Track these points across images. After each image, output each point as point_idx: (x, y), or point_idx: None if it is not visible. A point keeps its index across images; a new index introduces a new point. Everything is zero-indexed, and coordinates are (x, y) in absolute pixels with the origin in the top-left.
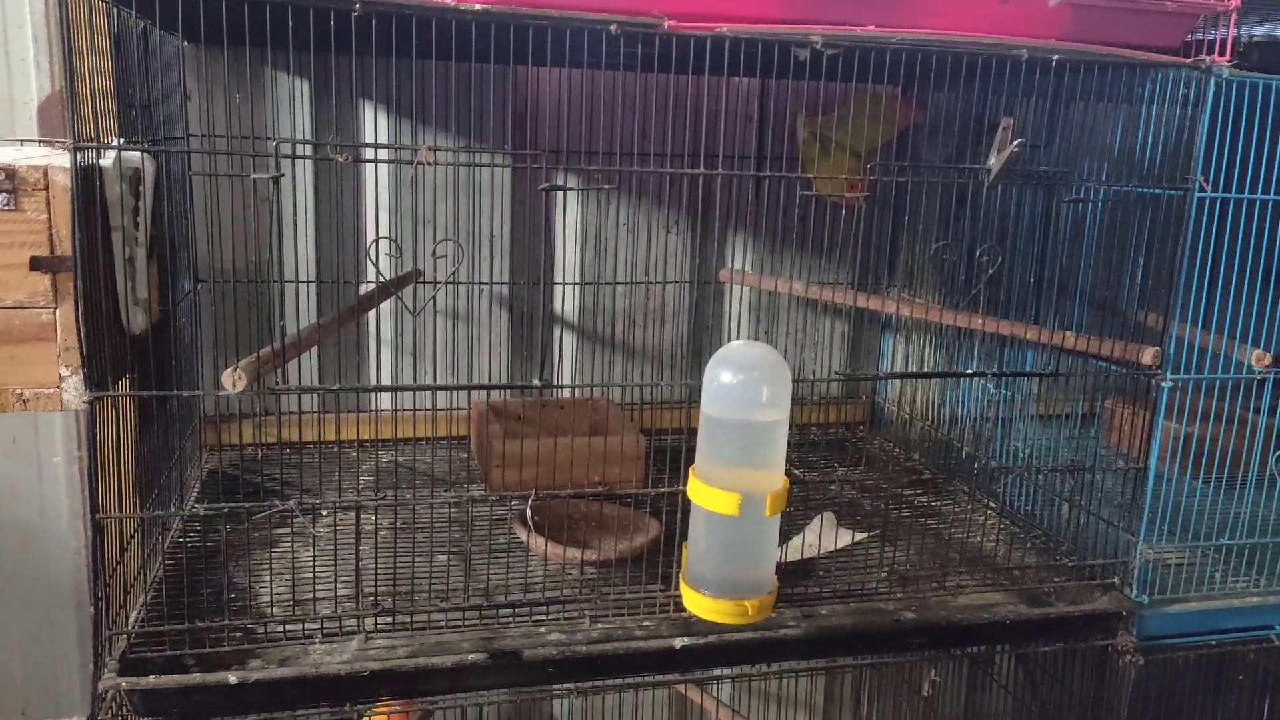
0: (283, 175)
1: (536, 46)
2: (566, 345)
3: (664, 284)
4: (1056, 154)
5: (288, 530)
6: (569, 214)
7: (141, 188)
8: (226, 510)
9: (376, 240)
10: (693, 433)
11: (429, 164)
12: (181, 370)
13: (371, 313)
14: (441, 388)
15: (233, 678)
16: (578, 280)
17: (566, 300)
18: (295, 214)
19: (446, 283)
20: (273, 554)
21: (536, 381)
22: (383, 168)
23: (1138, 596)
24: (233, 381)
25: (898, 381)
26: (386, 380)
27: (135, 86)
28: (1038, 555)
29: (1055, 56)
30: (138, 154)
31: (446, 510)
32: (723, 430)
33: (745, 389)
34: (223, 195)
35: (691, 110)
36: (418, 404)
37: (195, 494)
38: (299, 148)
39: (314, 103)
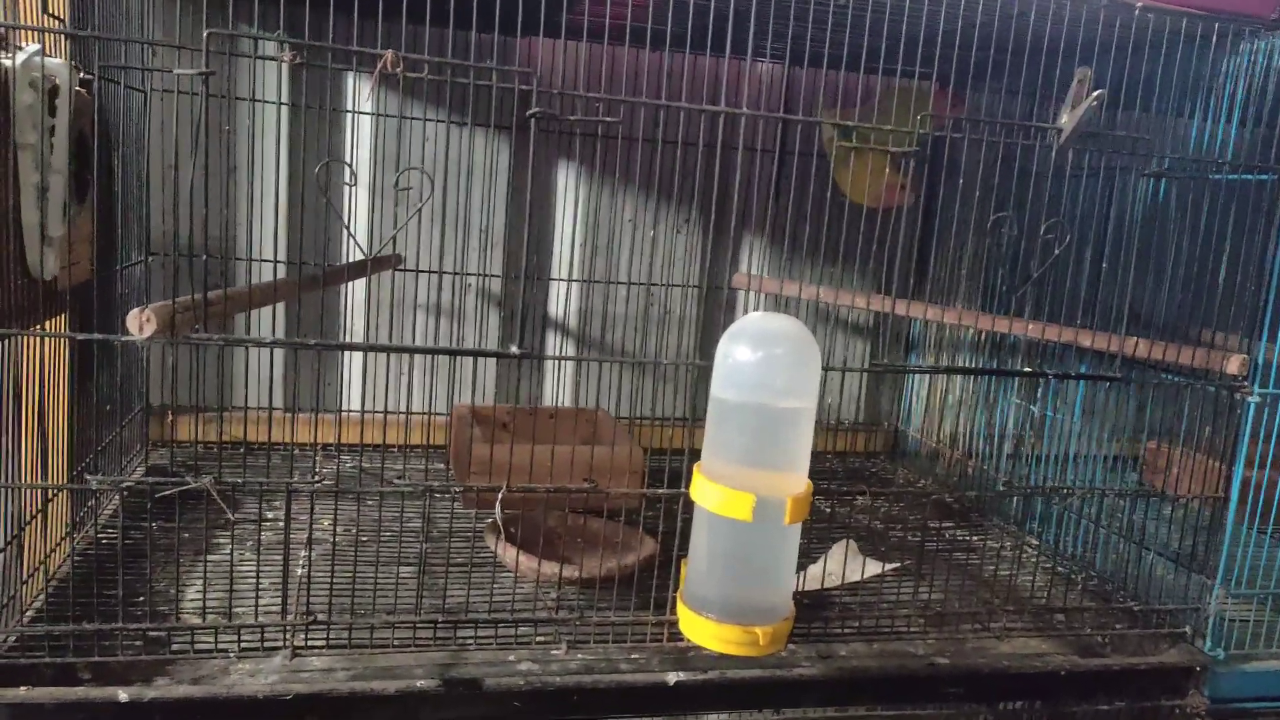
0: (213, 73)
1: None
2: (561, 348)
3: (671, 287)
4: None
5: (229, 535)
6: (570, 204)
7: (58, 101)
8: (125, 488)
9: (327, 163)
10: (698, 454)
11: (393, 71)
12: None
13: (346, 303)
14: (385, 349)
15: (123, 694)
16: (577, 278)
17: (563, 301)
18: (264, 190)
19: (428, 272)
20: (208, 556)
21: (515, 350)
22: (364, 148)
23: (1212, 650)
24: (140, 324)
25: (923, 410)
26: (359, 378)
27: None
28: (1092, 598)
29: (1138, 6)
30: (56, 61)
31: (408, 514)
32: (736, 417)
33: (765, 368)
34: (183, 149)
35: (709, 95)
36: (392, 406)
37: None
38: (255, 46)
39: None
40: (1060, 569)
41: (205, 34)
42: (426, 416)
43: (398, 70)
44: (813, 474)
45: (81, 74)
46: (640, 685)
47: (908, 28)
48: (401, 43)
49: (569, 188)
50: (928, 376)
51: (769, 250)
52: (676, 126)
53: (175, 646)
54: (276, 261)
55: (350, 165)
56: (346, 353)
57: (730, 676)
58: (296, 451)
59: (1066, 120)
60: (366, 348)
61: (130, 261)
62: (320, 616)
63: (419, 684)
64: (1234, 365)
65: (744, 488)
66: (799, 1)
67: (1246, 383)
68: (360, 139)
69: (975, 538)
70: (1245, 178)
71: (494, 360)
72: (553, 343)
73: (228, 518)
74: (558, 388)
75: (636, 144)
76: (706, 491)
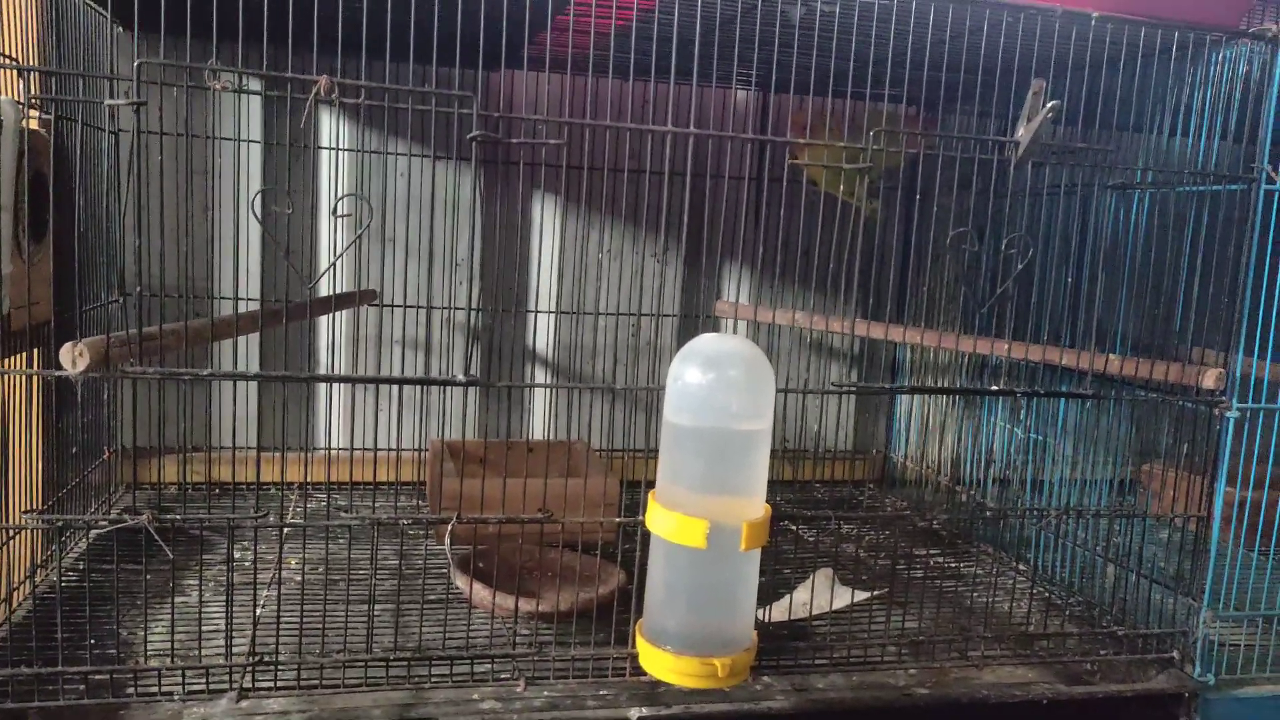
0: (145, 103)
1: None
2: (539, 380)
3: (650, 316)
4: (1096, 141)
5: (196, 579)
6: (547, 236)
7: (1, 138)
8: (60, 524)
9: (261, 191)
10: None
11: (326, 98)
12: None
13: (323, 339)
14: (335, 379)
15: None
16: (553, 309)
17: (541, 333)
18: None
19: (404, 307)
20: (146, 598)
21: (461, 377)
22: (341, 185)
23: (1201, 675)
24: (72, 359)
25: (912, 437)
26: (336, 415)
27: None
28: (1077, 623)
29: (1095, 15)
30: None
31: (372, 551)
32: (689, 442)
33: (717, 390)
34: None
35: (690, 119)
36: (368, 444)
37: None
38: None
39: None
40: (1045, 594)
41: (135, 64)
42: (400, 452)
43: (333, 96)
44: (799, 504)
45: (39, 113)
46: None
47: (857, 48)
48: (361, 76)
49: (545, 219)
50: (915, 403)
51: (751, 277)
52: (648, 154)
53: (126, 690)
54: (243, 299)
55: (288, 193)
56: (322, 390)
57: (696, 711)
58: (273, 490)
59: (1023, 133)
60: (309, 378)
61: (100, 302)
62: (269, 657)
63: None
64: (1210, 379)
65: (699, 514)
66: (764, 26)
67: (1225, 397)
68: (335, 175)
69: (960, 564)
70: (1215, 189)
71: (475, 394)
72: (531, 375)
73: (169, 556)
74: (540, 421)
75: (615, 173)
76: (660, 519)
